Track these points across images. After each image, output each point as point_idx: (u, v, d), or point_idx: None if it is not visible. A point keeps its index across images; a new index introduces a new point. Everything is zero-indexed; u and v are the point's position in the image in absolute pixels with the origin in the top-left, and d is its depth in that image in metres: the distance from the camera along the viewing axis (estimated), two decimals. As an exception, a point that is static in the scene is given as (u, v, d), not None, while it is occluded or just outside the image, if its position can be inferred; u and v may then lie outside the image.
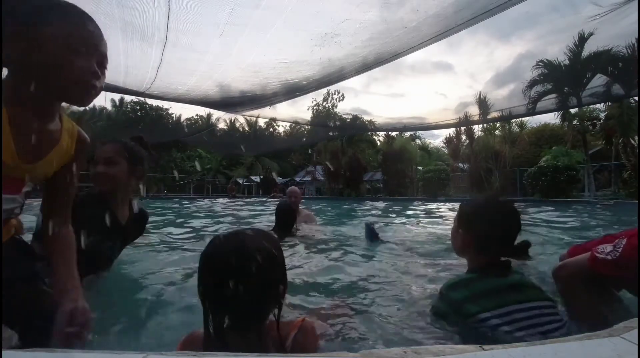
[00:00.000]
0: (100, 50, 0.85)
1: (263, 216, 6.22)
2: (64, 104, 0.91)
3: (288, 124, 24.38)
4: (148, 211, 1.92)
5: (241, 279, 0.72)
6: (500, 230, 1.12)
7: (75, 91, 0.82)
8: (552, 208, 7.40)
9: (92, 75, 0.81)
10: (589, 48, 12.05)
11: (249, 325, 0.78)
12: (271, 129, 28.41)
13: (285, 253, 2.50)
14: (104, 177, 1.53)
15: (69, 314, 0.80)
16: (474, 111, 15.75)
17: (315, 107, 22.11)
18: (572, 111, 13.77)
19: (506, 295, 1.03)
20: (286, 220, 3.16)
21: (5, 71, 0.80)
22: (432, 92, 79.78)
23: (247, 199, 15.52)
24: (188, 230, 4.24)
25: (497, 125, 16.59)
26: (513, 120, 15.51)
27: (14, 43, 0.74)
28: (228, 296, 0.73)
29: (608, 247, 1.11)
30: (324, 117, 21.49)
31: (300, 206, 3.90)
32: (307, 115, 21.92)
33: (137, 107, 26.25)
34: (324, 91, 21.22)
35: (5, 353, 0.54)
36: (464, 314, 1.02)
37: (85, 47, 0.80)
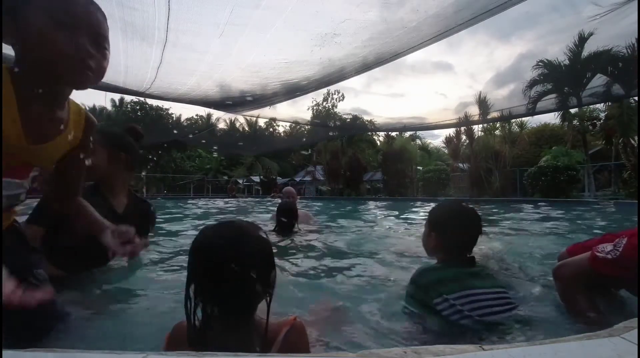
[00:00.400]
0: (94, 27, 0.80)
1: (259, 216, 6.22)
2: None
3: (288, 124, 24.35)
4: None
5: (232, 265, 0.71)
6: (467, 232, 1.29)
7: (64, 69, 0.77)
8: (552, 208, 7.40)
9: (80, 52, 0.77)
10: (589, 48, 12.06)
11: (237, 315, 0.77)
12: (271, 129, 28.38)
13: (286, 252, 2.48)
14: None
15: (121, 230, 0.97)
16: (474, 111, 15.67)
17: (315, 107, 22.00)
18: (572, 111, 13.76)
19: (469, 281, 1.19)
20: (287, 220, 3.16)
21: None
22: (432, 92, 79.58)
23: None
24: (189, 229, 4.23)
25: (497, 125, 16.55)
26: (513, 120, 15.48)
27: (5, 17, 0.73)
28: (218, 283, 0.72)
29: (608, 246, 1.11)
30: (324, 117, 21.40)
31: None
32: (307, 115, 21.81)
33: (137, 107, 26.23)
34: (324, 91, 21.13)
35: (5, 353, 0.53)
36: (432, 295, 1.17)
37: (71, 22, 0.75)
